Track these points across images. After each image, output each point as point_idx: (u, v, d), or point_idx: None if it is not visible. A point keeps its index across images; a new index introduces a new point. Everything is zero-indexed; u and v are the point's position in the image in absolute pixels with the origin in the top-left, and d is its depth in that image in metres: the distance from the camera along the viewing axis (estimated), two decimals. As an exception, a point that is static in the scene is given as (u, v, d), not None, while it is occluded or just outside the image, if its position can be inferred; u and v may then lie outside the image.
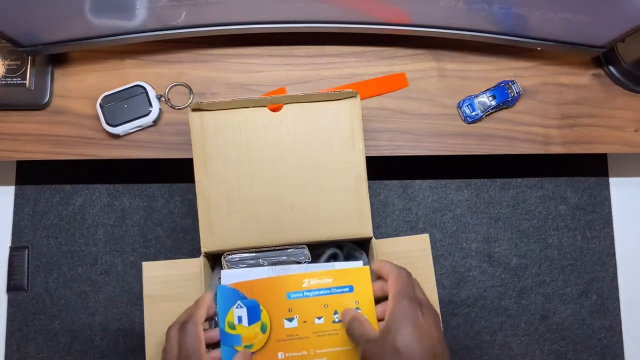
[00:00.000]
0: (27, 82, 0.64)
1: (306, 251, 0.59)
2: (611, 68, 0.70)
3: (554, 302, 0.77)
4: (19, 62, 0.64)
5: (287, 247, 0.59)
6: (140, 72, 0.68)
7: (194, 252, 0.75)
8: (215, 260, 0.63)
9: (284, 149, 0.60)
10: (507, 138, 0.69)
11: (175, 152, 0.67)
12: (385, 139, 0.68)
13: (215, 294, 0.54)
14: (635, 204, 0.80)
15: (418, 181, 0.78)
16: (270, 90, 0.68)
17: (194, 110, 0.59)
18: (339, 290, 0.56)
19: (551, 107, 0.69)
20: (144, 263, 0.56)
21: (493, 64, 0.69)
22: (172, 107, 0.68)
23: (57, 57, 0.68)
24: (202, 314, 0.51)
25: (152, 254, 0.75)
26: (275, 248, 0.59)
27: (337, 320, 0.55)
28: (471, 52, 0.69)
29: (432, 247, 0.74)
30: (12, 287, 0.75)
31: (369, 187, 0.61)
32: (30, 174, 0.77)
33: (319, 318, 0.55)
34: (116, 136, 0.67)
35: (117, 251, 0.76)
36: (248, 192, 0.60)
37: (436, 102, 0.69)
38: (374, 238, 0.62)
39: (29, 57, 0.64)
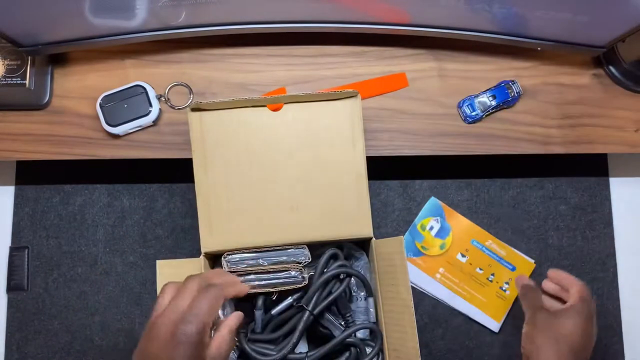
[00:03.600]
0: (27, 82, 0.64)
1: (306, 251, 0.59)
2: (611, 68, 0.70)
3: (554, 302, 0.77)
4: (19, 62, 0.64)
5: (287, 247, 0.58)
6: (140, 72, 0.68)
7: (194, 252, 0.75)
8: (215, 260, 0.63)
9: (284, 149, 0.60)
10: (507, 138, 0.68)
11: (175, 152, 0.67)
12: (385, 139, 0.68)
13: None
14: (635, 204, 0.79)
15: (418, 181, 0.78)
16: (270, 90, 0.68)
17: (193, 110, 0.59)
18: (505, 263, 0.75)
19: (551, 107, 0.69)
20: (158, 261, 0.56)
21: (493, 64, 0.69)
22: (172, 107, 0.68)
23: (57, 57, 0.68)
24: (231, 293, 0.50)
25: (152, 254, 0.75)
26: (275, 248, 0.59)
27: (490, 279, 0.75)
28: (471, 52, 0.69)
29: (432, 247, 0.74)
30: (12, 287, 0.75)
31: (369, 187, 0.61)
32: (30, 174, 0.77)
33: (480, 269, 0.75)
34: (116, 136, 0.67)
35: (117, 251, 0.75)
36: (248, 192, 0.60)
37: (436, 102, 0.69)
38: (374, 238, 0.61)
39: (29, 57, 0.64)
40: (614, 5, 0.55)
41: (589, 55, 0.69)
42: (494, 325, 0.75)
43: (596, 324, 0.60)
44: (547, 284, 0.65)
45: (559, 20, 0.59)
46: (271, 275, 0.58)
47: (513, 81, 0.68)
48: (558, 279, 0.64)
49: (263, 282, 0.58)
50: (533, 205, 0.78)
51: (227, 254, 0.58)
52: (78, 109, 0.67)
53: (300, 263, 0.58)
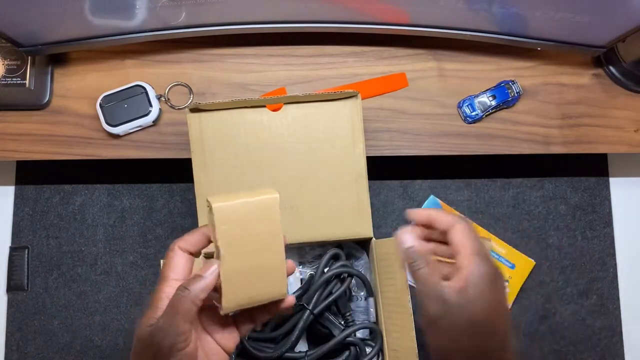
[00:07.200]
0: (27, 82, 0.64)
1: None
2: (611, 68, 0.70)
3: (554, 303, 0.77)
4: (19, 62, 0.64)
5: None
6: (140, 72, 0.68)
7: (194, 252, 0.75)
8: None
9: (284, 150, 0.60)
10: (507, 138, 0.68)
11: (175, 152, 0.67)
12: (385, 139, 0.68)
13: None
14: (635, 204, 0.79)
15: (418, 181, 0.78)
16: (270, 90, 0.68)
17: (192, 111, 0.59)
18: (505, 261, 0.75)
19: (551, 107, 0.69)
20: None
21: (493, 64, 0.69)
22: (172, 107, 0.68)
23: (57, 57, 0.68)
24: (209, 285, 0.43)
25: (152, 254, 0.75)
26: None
27: None
28: (471, 52, 0.69)
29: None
30: (12, 287, 0.75)
31: (369, 187, 0.61)
32: (30, 174, 0.77)
33: None
34: (116, 136, 0.67)
35: (117, 251, 0.75)
36: (248, 192, 0.60)
37: (436, 102, 0.69)
38: (374, 238, 0.62)
39: (29, 57, 0.64)
40: (614, 6, 0.55)
41: (589, 55, 0.69)
42: (494, 325, 0.75)
43: (501, 277, 0.43)
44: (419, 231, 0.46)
45: (558, 20, 0.59)
46: None
47: (513, 81, 0.68)
48: (431, 222, 0.45)
49: None
50: (533, 205, 0.78)
51: None
52: (78, 109, 0.67)
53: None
